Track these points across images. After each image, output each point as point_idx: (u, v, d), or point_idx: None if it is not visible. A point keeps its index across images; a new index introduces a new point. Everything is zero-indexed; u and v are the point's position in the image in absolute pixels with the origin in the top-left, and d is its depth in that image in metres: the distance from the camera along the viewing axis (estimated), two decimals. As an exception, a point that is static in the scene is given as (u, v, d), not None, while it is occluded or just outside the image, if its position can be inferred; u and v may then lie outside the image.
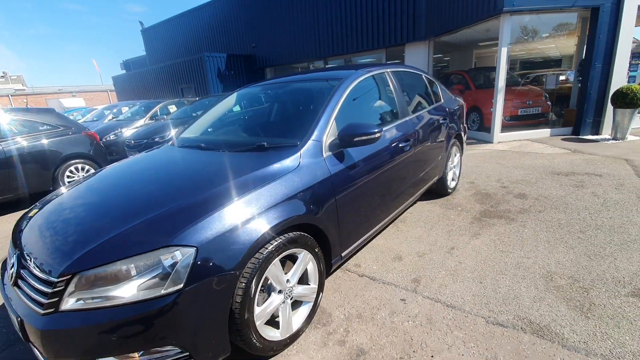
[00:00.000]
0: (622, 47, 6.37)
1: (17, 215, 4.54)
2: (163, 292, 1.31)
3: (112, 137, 7.51)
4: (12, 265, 1.56)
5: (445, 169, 3.68)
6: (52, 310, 1.32)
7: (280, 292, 1.73)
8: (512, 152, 6.01)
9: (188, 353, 1.40)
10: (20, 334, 1.43)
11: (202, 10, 14.42)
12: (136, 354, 1.37)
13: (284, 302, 1.76)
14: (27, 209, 2.07)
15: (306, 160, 1.91)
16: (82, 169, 5.16)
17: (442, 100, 3.77)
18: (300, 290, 1.86)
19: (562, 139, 6.78)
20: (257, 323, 1.60)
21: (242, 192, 1.61)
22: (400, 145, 2.63)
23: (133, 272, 1.33)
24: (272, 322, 1.77)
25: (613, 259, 2.45)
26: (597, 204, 3.43)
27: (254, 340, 1.59)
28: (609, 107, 6.57)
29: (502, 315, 1.97)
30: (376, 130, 2.02)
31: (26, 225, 1.79)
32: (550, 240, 2.79)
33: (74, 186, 2.16)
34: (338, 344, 1.85)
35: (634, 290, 2.10)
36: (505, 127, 7.13)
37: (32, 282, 1.42)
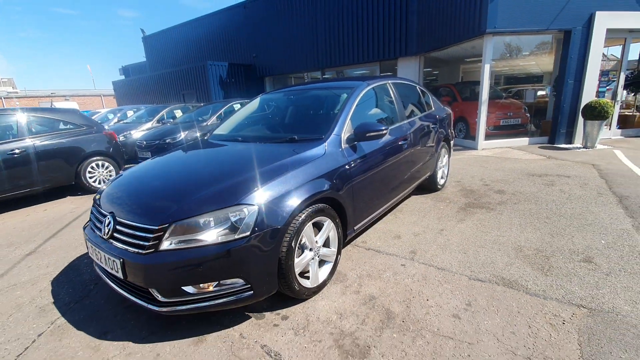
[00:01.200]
0: (591, 66, 7.16)
1: (31, 209, 4.92)
2: (236, 237, 1.80)
3: (121, 138, 7.89)
4: (109, 223, 2.02)
5: (435, 167, 4.25)
6: (153, 250, 1.79)
7: (310, 250, 2.23)
8: (494, 158, 6.67)
9: (249, 285, 1.88)
10: (120, 273, 1.88)
11: (204, 21, 15.02)
12: (212, 284, 1.85)
13: (313, 258, 2.26)
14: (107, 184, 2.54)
15: (330, 149, 2.44)
16: (102, 165, 5.56)
17: (433, 108, 4.37)
18: (324, 251, 2.36)
19: (539, 147, 7.49)
20: (296, 270, 2.09)
21: (285, 170, 2.12)
22: (399, 143, 3.19)
23: (213, 223, 1.81)
24: (303, 277, 2.26)
25: (571, 237, 3.03)
26: (562, 198, 4.04)
27: (294, 284, 2.08)
28: (580, 119, 7.32)
29: (481, 274, 2.51)
30: (384, 128, 2.57)
31: (114, 193, 2.27)
32: (522, 224, 3.37)
33: (141, 167, 2.66)
34: (354, 293, 2.35)
35: (585, 258, 2.67)
36: (488, 136, 7.82)
37: (131, 232, 1.89)
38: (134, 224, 1.90)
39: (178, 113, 9.17)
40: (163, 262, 1.76)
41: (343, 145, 2.55)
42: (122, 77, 21.29)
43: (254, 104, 3.66)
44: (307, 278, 2.25)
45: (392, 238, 3.20)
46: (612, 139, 8.04)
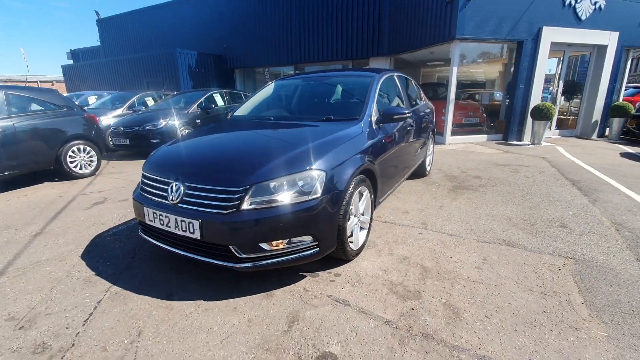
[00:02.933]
0: (538, 73, 8.27)
1: (10, 194, 4.57)
2: (309, 198, 2.02)
3: (90, 124, 7.39)
4: (177, 189, 2.11)
5: (425, 154, 4.74)
6: (234, 210, 1.95)
7: (355, 216, 2.50)
8: (461, 151, 7.43)
9: (317, 242, 2.11)
10: (196, 233, 1.99)
11: (171, 7, 14.28)
12: (284, 242, 2.04)
13: (356, 224, 2.54)
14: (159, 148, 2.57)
15: (365, 128, 2.73)
16: (84, 150, 5.25)
17: (424, 101, 4.85)
18: (362, 218, 2.65)
19: (496, 143, 8.47)
20: (347, 232, 2.35)
21: (337, 144, 2.37)
22: (409, 128, 3.58)
23: (287, 186, 2.01)
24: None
25: (545, 210, 3.65)
26: (529, 182, 4.75)
27: (346, 244, 2.34)
28: (529, 120, 8.41)
29: (486, 238, 2.97)
30: (407, 111, 2.92)
31: (171, 163, 2.39)
32: (504, 201, 3.95)
33: (188, 142, 2.77)
34: (388, 255, 2.67)
35: (561, 224, 3.26)
36: (453, 132, 8.64)
37: (209, 195, 2.01)
38: (213, 187, 2.02)
39: (149, 101, 8.78)
40: (244, 220, 1.93)
41: (373, 126, 2.86)
42: (71, 61, 19.39)
43: (269, 89, 3.82)
44: (351, 242, 2.52)
45: (401, 213, 3.58)
46: (552, 137, 9.32)
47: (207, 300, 2.09)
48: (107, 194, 4.42)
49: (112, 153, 7.46)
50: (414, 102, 4.25)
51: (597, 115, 9.44)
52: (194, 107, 7.38)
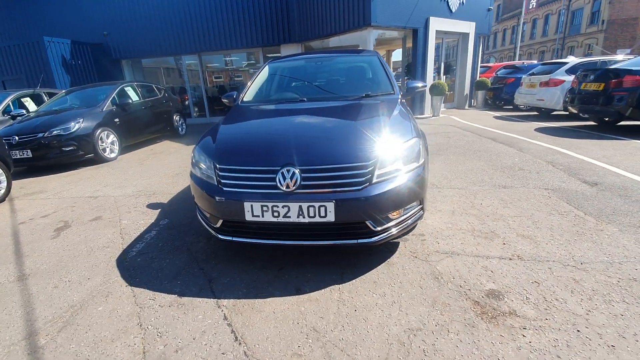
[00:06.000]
0: (430, 56, 9.84)
1: None
2: (418, 164, 2.16)
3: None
4: (292, 175, 1.93)
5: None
6: (367, 184, 1.94)
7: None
8: (388, 127, 8.36)
9: (422, 206, 2.27)
10: (329, 216, 1.89)
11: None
12: (401, 210, 2.14)
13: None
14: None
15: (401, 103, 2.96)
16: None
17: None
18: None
19: (407, 118, 9.79)
20: (424, 194, 2.58)
21: (405, 115, 2.54)
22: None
23: (402, 155, 2.10)
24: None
25: (500, 160, 4.61)
26: (465, 143, 5.82)
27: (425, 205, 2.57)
28: (428, 96, 9.99)
29: (485, 185, 3.63)
30: (425, 83, 3.27)
31: (271, 144, 2.21)
32: (467, 158, 4.79)
33: (242, 125, 2.67)
34: (438, 212, 3.02)
35: (519, 169, 4.20)
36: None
37: (334, 174, 1.93)
38: (344, 165, 1.94)
39: (28, 103, 6.77)
40: (378, 193, 1.94)
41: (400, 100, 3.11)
42: None
43: (269, 71, 3.63)
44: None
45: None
46: (442, 109, 11.30)
47: (340, 284, 2.03)
48: (57, 217, 3.41)
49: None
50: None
51: (467, 89, 11.86)
52: (107, 104, 6.10)
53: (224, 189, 2.07)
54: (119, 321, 1.83)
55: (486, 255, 2.26)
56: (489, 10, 11.80)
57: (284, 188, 1.94)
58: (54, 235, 3.00)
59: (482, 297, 1.84)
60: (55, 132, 5.16)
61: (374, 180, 1.96)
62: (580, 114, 7.10)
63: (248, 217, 1.99)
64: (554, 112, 8.98)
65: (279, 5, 10.29)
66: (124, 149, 6.59)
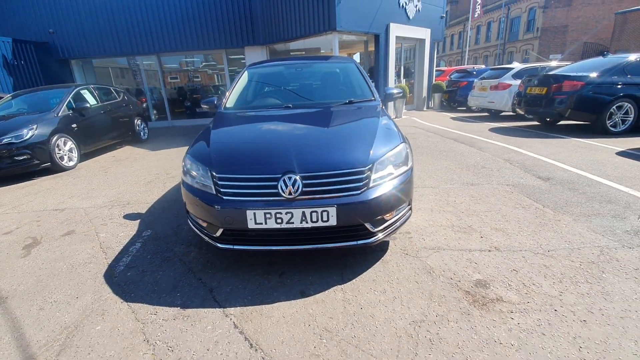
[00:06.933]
0: (391, 61, 10.28)
1: None
2: (407, 167, 2.32)
3: None
4: (293, 181, 1.99)
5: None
6: (365, 188, 2.06)
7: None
8: (356, 129, 8.63)
9: (410, 206, 2.45)
10: (332, 220, 1.98)
11: None
12: (394, 211, 2.29)
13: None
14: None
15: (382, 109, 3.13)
16: None
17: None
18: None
19: (372, 120, 10.15)
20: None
21: (390, 121, 2.70)
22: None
23: (393, 159, 2.25)
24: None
25: (464, 159, 4.99)
26: (430, 143, 6.20)
27: (411, 204, 2.75)
28: (390, 98, 10.41)
29: (455, 184, 3.93)
30: (400, 90, 3.47)
31: (260, 159, 2.22)
32: (435, 158, 5.12)
33: (232, 132, 2.67)
34: (417, 210, 3.23)
35: (482, 167, 4.58)
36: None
37: (333, 180, 2.02)
38: (344, 171, 2.03)
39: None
40: (376, 196, 2.07)
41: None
42: None
43: (245, 76, 3.61)
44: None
45: (384, 181, 4.19)
46: (403, 111, 11.84)
47: (342, 284, 2.13)
48: (23, 233, 3.14)
49: None
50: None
51: (424, 92, 12.53)
52: (62, 109, 5.66)
53: (224, 197, 2.08)
54: (123, 339, 1.77)
55: (468, 248, 2.49)
56: (442, 17, 12.58)
57: (286, 195, 2.00)
58: (24, 253, 2.77)
59: (472, 287, 2.04)
60: (5, 141, 4.69)
61: (371, 184, 2.09)
62: (526, 115, 7.86)
63: (250, 224, 2.03)
64: (503, 113, 9.81)
65: (242, 7, 10.15)
66: (83, 157, 6.15)
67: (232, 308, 1.96)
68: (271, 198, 2.02)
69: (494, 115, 9.99)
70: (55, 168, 5.29)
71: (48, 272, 2.46)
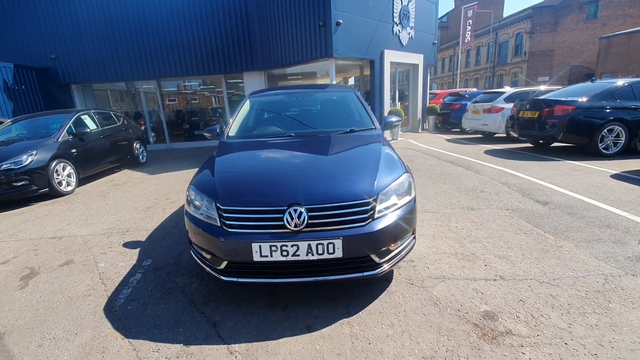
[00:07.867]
0: (386, 85, 10.54)
1: None
2: (410, 197, 2.35)
3: None
4: (299, 214, 1.99)
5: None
6: (371, 220, 2.07)
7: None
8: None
9: (414, 235, 2.45)
10: (337, 252, 1.97)
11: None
12: (398, 242, 2.29)
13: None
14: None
15: (384, 137, 3.19)
16: None
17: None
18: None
19: (369, 142, 10.29)
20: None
21: (392, 150, 2.75)
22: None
23: (396, 190, 2.27)
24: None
25: (462, 183, 5.04)
26: (427, 166, 6.27)
27: (414, 232, 2.76)
28: (387, 121, 10.60)
29: (456, 208, 3.96)
30: (399, 118, 3.55)
31: (273, 183, 2.28)
32: (433, 182, 5.16)
33: (233, 161, 2.72)
34: (420, 236, 3.23)
35: (480, 190, 4.63)
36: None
37: (338, 212, 2.03)
38: (350, 203, 2.04)
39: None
40: (381, 228, 2.08)
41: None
42: None
43: (247, 104, 3.69)
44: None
45: (384, 206, 4.20)
46: (399, 133, 12.02)
47: (348, 317, 2.10)
48: (20, 263, 3.07)
49: None
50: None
51: (419, 114, 12.80)
52: (62, 134, 5.68)
53: (229, 230, 2.07)
54: (125, 379, 1.72)
55: (473, 277, 2.48)
56: (433, 44, 13.03)
57: (292, 227, 2.00)
58: (22, 285, 2.70)
59: (480, 319, 2.02)
60: (4, 167, 4.67)
61: (376, 215, 2.10)
62: (520, 138, 8.01)
63: (256, 257, 2.01)
64: (496, 135, 10.00)
65: (241, 35, 10.44)
66: (82, 181, 6.12)
67: (237, 345, 1.92)
68: (277, 230, 2.02)
69: (488, 137, 10.17)
70: (53, 193, 5.24)
71: (46, 306, 2.40)
